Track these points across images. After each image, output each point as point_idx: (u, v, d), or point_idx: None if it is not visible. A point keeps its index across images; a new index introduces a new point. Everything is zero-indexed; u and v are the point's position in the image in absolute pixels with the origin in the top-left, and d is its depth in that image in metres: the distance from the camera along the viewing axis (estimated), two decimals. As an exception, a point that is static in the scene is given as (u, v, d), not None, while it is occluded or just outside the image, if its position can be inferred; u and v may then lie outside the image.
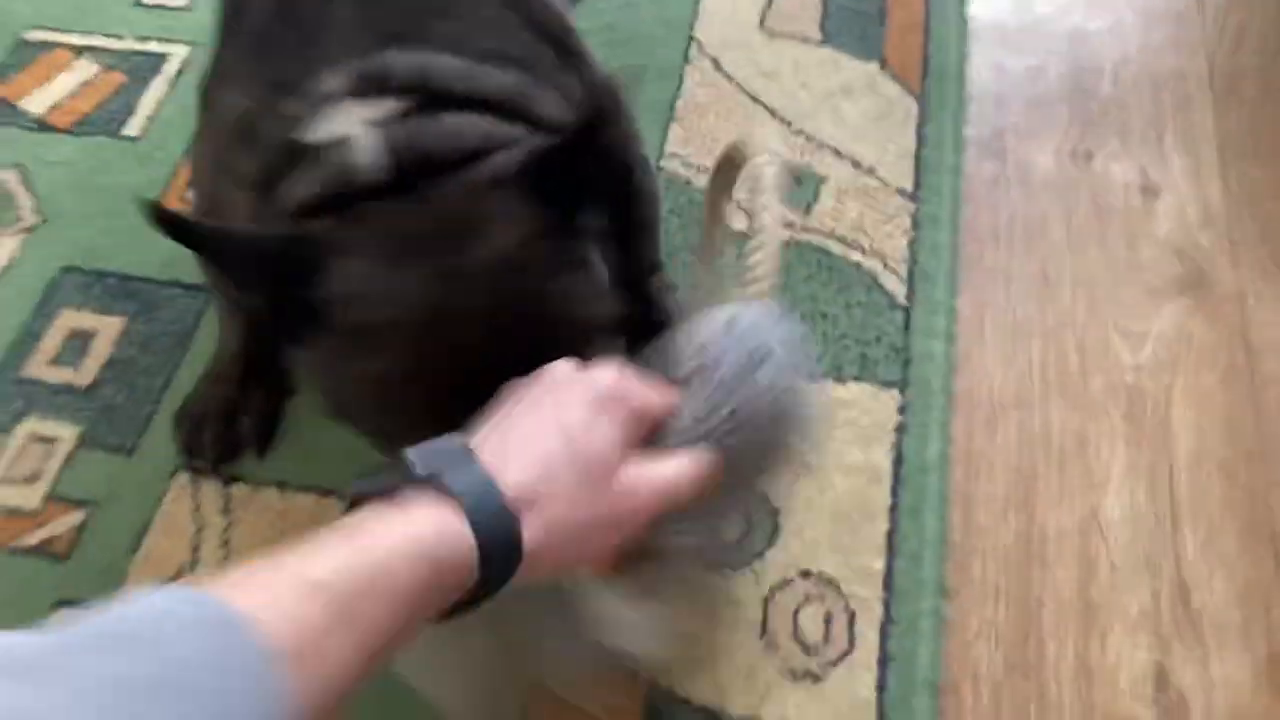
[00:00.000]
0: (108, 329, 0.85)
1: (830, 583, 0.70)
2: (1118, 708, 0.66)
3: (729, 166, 0.62)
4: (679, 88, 0.98)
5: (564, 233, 0.51)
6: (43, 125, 0.98)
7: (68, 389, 0.82)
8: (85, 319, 0.85)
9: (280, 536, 0.63)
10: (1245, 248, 0.87)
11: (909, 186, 0.90)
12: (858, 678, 0.67)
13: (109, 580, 0.72)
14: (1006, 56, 1.01)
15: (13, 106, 1.00)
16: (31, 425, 0.80)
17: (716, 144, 0.92)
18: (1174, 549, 0.72)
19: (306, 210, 0.51)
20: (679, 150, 0.93)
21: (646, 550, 0.50)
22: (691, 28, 1.03)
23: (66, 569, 0.73)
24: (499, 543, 0.39)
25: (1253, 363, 0.81)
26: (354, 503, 0.41)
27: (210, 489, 0.76)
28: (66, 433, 0.80)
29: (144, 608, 0.30)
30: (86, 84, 1.01)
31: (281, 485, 0.76)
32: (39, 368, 0.83)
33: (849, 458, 0.75)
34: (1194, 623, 0.69)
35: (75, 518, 0.75)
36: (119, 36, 1.05)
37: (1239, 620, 0.69)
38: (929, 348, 0.81)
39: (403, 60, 0.54)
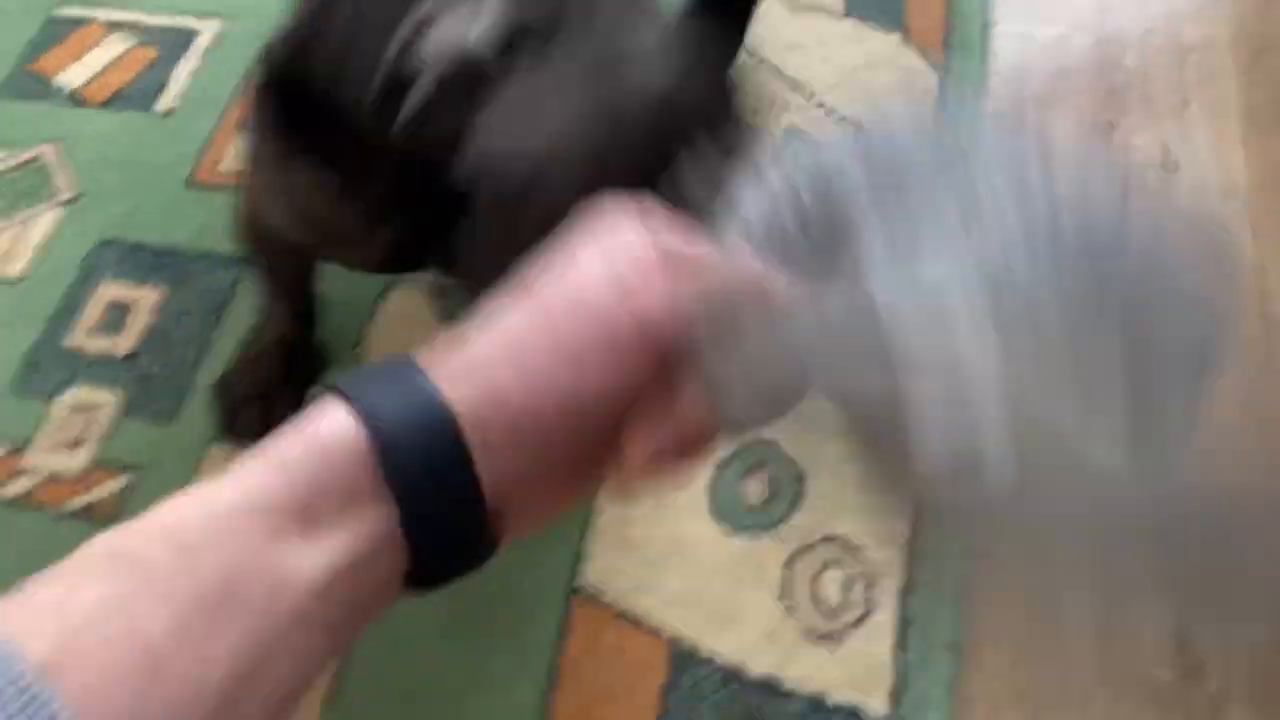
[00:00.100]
0: (145, 300, 0.87)
1: (851, 547, 0.72)
2: (1138, 670, 0.68)
3: None
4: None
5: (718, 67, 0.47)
6: (78, 100, 1.00)
7: (108, 358, 0.84)
8: (123, 290, 0.88)
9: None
10: (1266, 221, 0.87)
11: (931, 158, 0.91)
12: (877, 639, 0.69)
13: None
14: (1031, 26, 1.01)
15: (48, 82, 1.02)
16: (74, 393, 0.82)
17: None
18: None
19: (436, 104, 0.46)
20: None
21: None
22: (715, 0, 1.03)
23: (111, 532, 0.75)
24: (431, 482, 0.29)
25: (1270, 334, 0.81)
26: None
27: (248, 455, 0.79)
28: (108, 400, 0.82)
29: None
30: (119, 59, 1.03)
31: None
32: (80, 338, 0.85)
33: (870, 426, 0.76)
34: (1210, 589, 0.71)
35: (119, 483, 0.78)
36: (150, 12, 1.06)
37: (1255, 586, 0.70)
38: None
39: None
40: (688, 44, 0.47)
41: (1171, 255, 0.27)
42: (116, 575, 0.26)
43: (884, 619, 0.69)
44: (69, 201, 0.93)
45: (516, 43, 0.46)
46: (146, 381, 0.83)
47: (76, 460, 0.79)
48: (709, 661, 0.68)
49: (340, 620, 0.29)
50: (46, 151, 0.96)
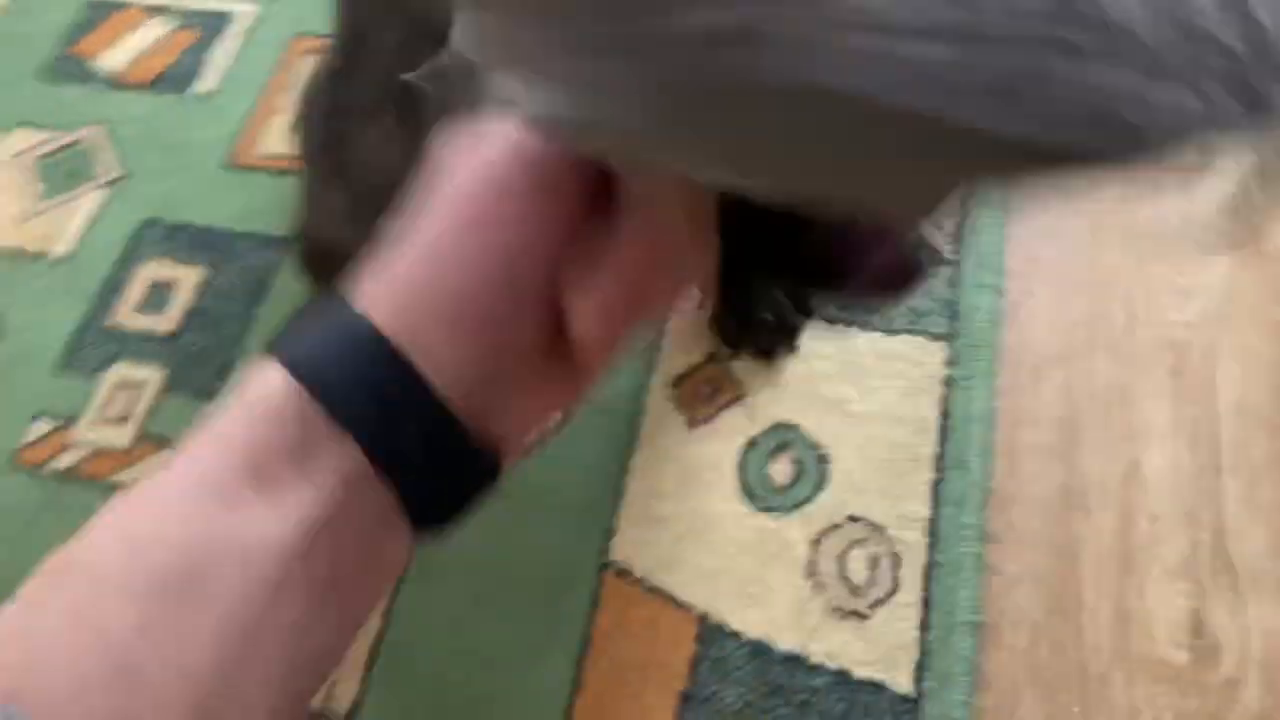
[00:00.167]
0: (188, 278, 0.89)
1: (876, 527, 0.73)
2: (1153, 651, 0.69)
3: None
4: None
5: None
6: (119, 83, 1.02)
7: (151, 336, 0.87)
8: (166, 269, 0.90)
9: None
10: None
11: (960, 143, 0.91)
12: (902, 617, 0.70)
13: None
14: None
15: (89, 66, 1.04)
16: (120, 370, 0.85)
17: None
18: (1215, 500, 0.74)
19: None
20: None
21: None
22: None
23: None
24: (378, 403, 0.27)
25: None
26: None
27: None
28: (152, 377, 0.84)
29: None
30: (159, 42, 1.05)
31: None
32: (125, 316, 0.88)
33: (898, 409, 0.78)
34: (1232, 572, 0.71)
35: (163, 457, 0.81)
36: (188, -5, 1.08)
37: (1277, 570, 0.71)
38: (977, 301, 0.83)
39: None
40: None
41: None
42: (73, 587, 0.25)
43: (908, 597, 0.71)
44: (112, 183, 0.95)
45: None
46: (189, 358, 0.85)
47: (122, 435, 0.82)
48: (736, 636, 0.70)
49: (335, 578, 0.26)
50: (89, 134, 0.99)
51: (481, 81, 0.25)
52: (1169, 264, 0.85)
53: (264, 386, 0.27)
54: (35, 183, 0.96)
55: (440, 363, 0.27)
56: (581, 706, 0.68)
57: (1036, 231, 0.87)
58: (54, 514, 0.78)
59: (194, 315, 0.87)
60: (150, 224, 0.92)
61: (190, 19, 1.06)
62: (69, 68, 1.04)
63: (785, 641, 0.70)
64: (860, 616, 0.70)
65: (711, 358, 0.80)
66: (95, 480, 0.79)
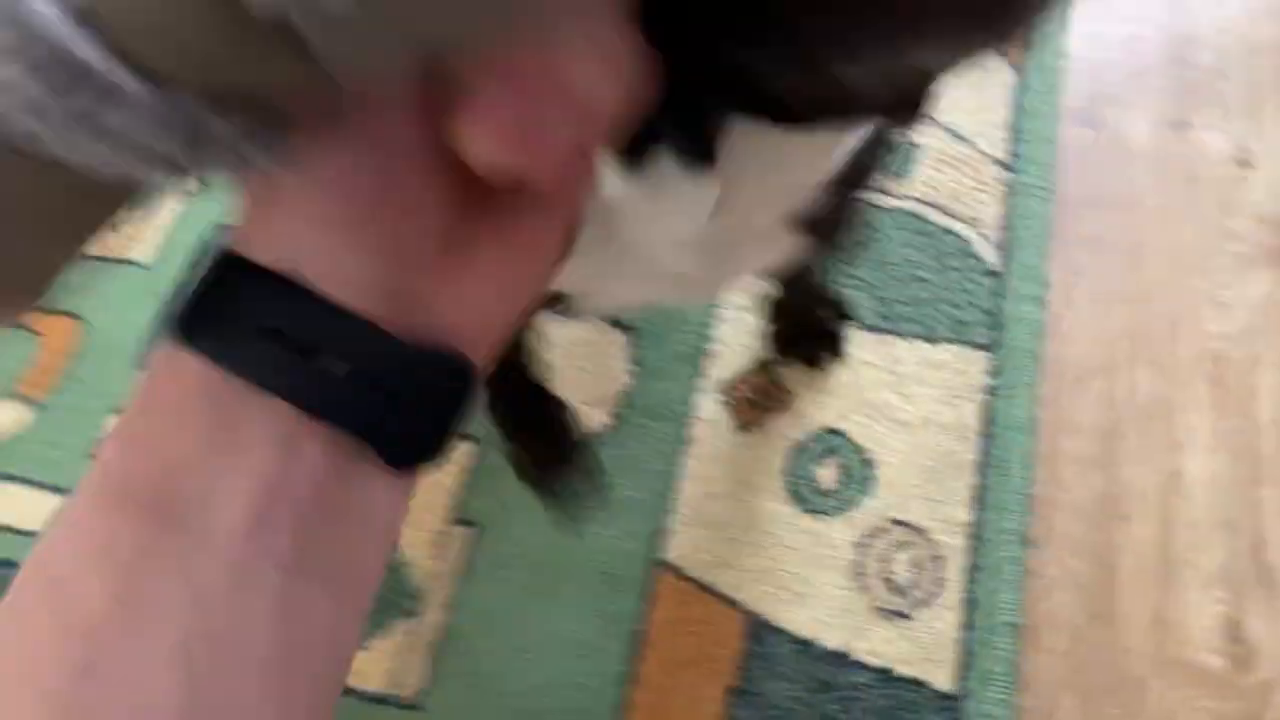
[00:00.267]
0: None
1: (920, 531, 0.76)
2: (1190, 656, 0.71)
3: None
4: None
5: None
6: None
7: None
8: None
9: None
10: (1340, 220, 0.88)
11: (1004, 156, 0.93)
12: (944, 618, 0.73)
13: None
14: (1105, 24, 1.03)
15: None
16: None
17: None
18: (1253, 511, 0.76)
19: None
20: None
21: None
22: None
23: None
24: (266, 336, 0.23)
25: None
26: None
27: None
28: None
29: None
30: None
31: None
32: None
33: (941, 416, 0.80)
34: (1270, 581, 0.73)
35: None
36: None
37: (1313, 578, 0.73)
38: (1020, 312, 0.85)
39: None
40: None
41: None
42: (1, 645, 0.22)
43: (950, 598, 0.73)
44: (190, 190, 1.00)
45: None
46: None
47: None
48: (784, 634, 0.73)
49: (303, 547, 0.23)
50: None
51: None
52: (1209, 277, 0.87)
53: (157, 365, 0.24)
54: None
55: (343, 274, 0.23)
56: (635, 698, 0.72)
57: (1078, 244, 0.89)
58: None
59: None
60: (224, 229, 0.97)
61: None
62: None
63: (831, 640, 0.73)
64: (903, 617, 0.73)
65: (761, 365, 0.83)
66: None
